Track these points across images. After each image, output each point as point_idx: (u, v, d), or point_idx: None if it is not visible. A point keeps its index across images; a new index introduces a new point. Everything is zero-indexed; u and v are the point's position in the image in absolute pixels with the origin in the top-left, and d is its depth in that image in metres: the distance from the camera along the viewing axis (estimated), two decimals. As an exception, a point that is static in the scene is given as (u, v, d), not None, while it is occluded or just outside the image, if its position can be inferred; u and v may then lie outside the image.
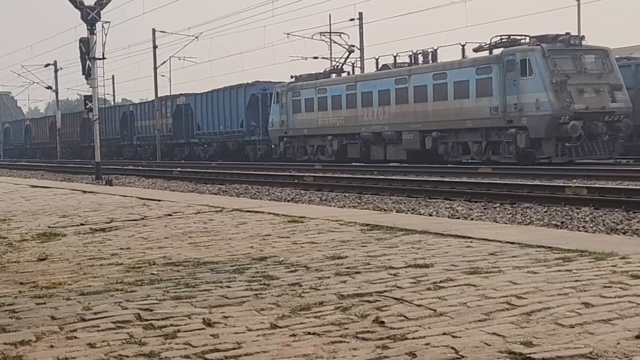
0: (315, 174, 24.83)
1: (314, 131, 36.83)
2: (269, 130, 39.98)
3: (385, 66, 34.02)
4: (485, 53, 28.90)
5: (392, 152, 32.60)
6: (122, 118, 57.12)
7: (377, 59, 34.80)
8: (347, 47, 40.03)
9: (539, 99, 25.94)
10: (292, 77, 39.50)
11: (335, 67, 39.62)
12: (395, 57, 33.59)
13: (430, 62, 31.65)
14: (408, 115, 31.28)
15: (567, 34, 27.14)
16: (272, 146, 40.44)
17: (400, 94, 31.76)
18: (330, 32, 42.03)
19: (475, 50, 29.47)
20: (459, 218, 12.23)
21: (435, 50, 31.76)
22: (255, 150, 42.18)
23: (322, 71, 38.96)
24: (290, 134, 38.39)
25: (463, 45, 30.06)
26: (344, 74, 38.22)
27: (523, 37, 28.19)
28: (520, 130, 26.61)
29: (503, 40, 28.47)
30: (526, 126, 26.35)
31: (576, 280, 4.82)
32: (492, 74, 27.64)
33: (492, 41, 28.70)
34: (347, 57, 39.65)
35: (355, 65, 41.40)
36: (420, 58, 32.12)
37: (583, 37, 27.82)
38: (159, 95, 52.60)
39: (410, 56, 32.67)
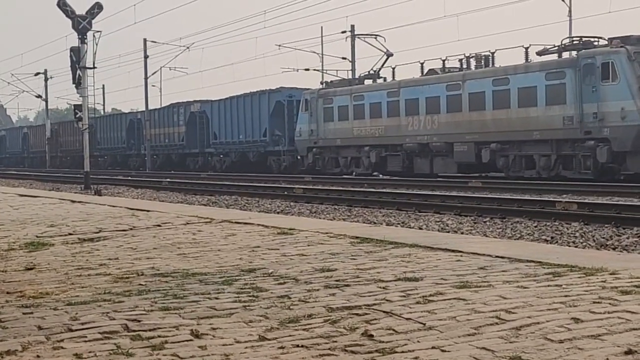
0: (305, 186, 24.82)
1: (349, 141, 33.94)
2: (296, 140, 37.05)
3: (432, 71, 31.04)
4: (554, 57, 26.14)
5: (440, 166, 29.76)
6: (129, 126, 54.21)
7: (422, 63, 31.76)
8: (384, 51, 35.67)
9: (625, 108, 23.11)
10: (322, 83, 37.00)
11: (371, 72, 35.74)
12: (444, 61, 30.78)
13: (483, 66, 28.90)
14: (462, 124, 28.37)
15: None
16: (298, 157, 37.70)
17: (452, 101, 28.78)
18: (366, 35, 37.20)
19: (540, 53, 26.71)
20: (448, 232, 12.23)
21: (493, 54, 28.91)
22: (280, 161, 39.03)
23: (356, 77, 35.43)
24: (321, 144, 35.49)
25: (526, 48, 27.17)
26: (380, 80, 34.86)
27: (596, 38, 25.62)
28: (600, 142, 23.70)
29: (574, 42, 25.86)
30: (608, 138, 23.44)
31: (566, 296, 4.82)
32: (566, 80, 24.67)
33: (562, 43, 26.01)
34: (385, 61, 35.40)
35: (346, 77, 39.90)
36: (473, 62, 29.42)
37: None
38: (149, 107, 52.50)
39: (460, 60, 29.97)
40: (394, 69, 33.87)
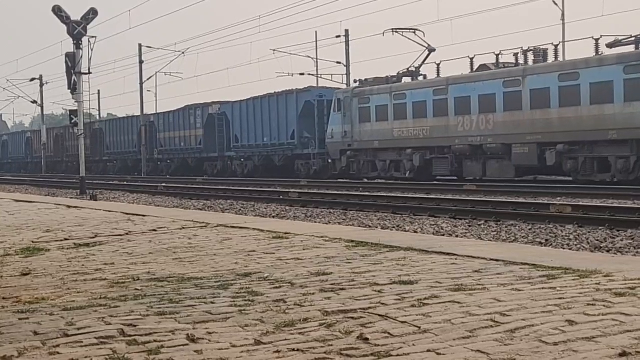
0: (300, 190, 24.83)
1: (388, 144, 31.64)
2: (327, 143, 34.89)
3: (484, 66, 28.67)
4: (630, 48, 23.89)
5: (495, 169, 27.46)
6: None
7: (471, 59, 29.43)
8: (426, 46, 32.92)
9: None
10: (356, 81, 35.07)
11: (411, 69, 33.15)
12: (497, 55, 28.46)
13: (542, 60, 26.70)
14: (522, 124, 26.11)
15: None
16: (329, 161, 35.50)
17: (510, 99, 26.48)
18: (405, 29, 33.58)
19: (610, 45, 24.54)
20: (443, 235, 12.25)
21: (556, 46, 26.63)
22: (309, 165, 36.92)
23: (394, 74, 33.16)
24: (356, 147, 33.29)
25: (597, 40, 24.78)
26: (420, 78, 32.53)
27: None
28: None
29: None
30: None
31: (560, 298, 4.83)
32: None
33: None
34: (427, 57, 32.84)
35: (342, 82, 39.31)
36: (531, 57, 27.07)
37: None
38: (144, 112, 52.45)
39: (515, 55, 27.78)
40: (438, 65, 31.28)
